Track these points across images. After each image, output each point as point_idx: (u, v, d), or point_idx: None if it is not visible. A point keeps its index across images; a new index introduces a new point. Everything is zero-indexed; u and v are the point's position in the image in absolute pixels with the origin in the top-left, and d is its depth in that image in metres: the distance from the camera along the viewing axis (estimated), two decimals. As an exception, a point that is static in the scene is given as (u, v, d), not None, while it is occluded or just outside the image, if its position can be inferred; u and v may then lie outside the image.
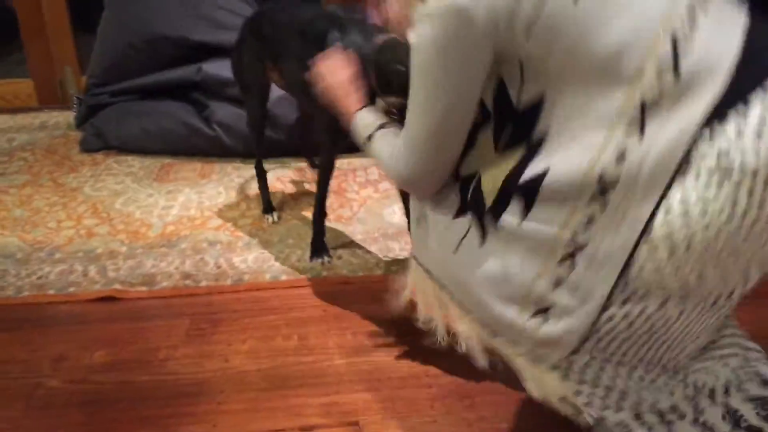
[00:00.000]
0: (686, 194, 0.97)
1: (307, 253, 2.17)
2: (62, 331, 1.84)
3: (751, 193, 0.96)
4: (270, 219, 2.41)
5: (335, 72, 1.55)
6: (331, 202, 2.51)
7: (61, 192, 2.65)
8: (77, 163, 2.90)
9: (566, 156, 1.02)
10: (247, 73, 2.27)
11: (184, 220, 2.42)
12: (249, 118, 2.40)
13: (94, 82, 3.07)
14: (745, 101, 0.97)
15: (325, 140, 2.04)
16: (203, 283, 2.04)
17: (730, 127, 0.96)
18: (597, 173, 1.00)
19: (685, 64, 0.98)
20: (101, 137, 3.00)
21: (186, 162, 2.87)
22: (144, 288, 2.02)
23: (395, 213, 2.42)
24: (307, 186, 2.64)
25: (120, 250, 2.24)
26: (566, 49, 0.99)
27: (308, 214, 2.43)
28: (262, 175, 2.45)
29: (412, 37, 1.07)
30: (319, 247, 2.17)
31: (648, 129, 0.98)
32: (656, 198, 0.98)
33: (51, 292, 2.01)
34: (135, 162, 2.90)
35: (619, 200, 0.99)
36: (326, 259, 2.15)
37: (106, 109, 3.04)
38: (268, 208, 2.43)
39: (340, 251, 2.20)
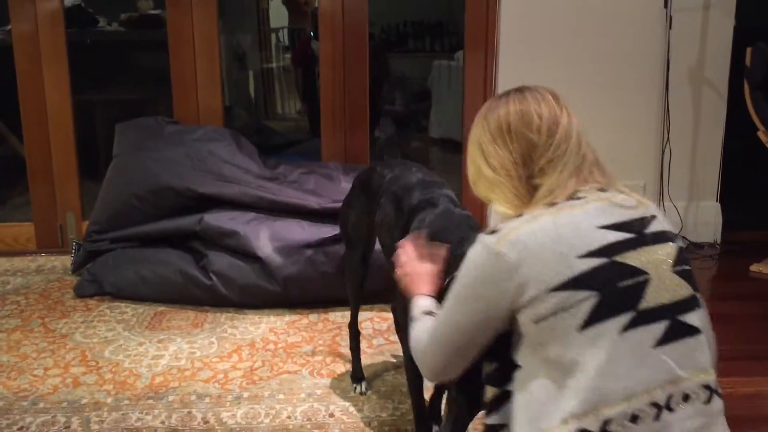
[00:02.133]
0: None
1: (299, 410, 2.11)
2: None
3: None
4: (358, 389, 2.21)
5: (417, 263, 1.53)
6: (324, 356, 2.48)
7: (51, 338, 2.62)
8: (70, 308, 2.88)
9: None
10: (353, 227, 2.18)
11: (173, 370, 2.37)
12: (348, 272, 2.26)
13: (95, 229, 3.12)
14: None
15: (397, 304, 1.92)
16: (189, 440, 1.96)
17: None
18: None
19: None
20: (96, 283, 3.00)
21: (179, 310, 2.86)
22: (127, 443, 1.94)
23: (389, 369, 2.38)
24: (299, 339, 2.61)
25: (105, 401, 2.18)
26: (553, 356, 1.16)
27: (301, 367, 2.39)
28: (355, 336, 2.27)
29: (469, 250, 1.24)
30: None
31: None
32: None
33: (30, 444, 1.93)
34: (128, 309, 2.88)
35: None
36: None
37: (103, 255, 3.06)
38: (358, 375, 2.25)
39: (332, 408, 2.14)
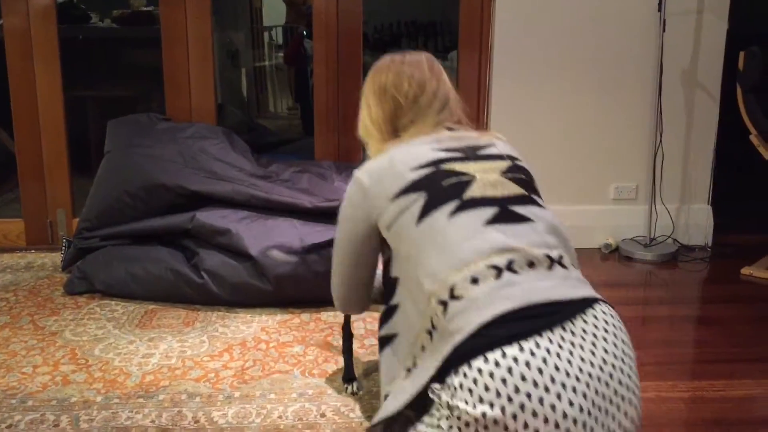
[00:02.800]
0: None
1: (290, 409, 2.10)
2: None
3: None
4: (350, 389, 2.21)
5: None
6: (316, 355, 2.47)
7: (40, 335, 2.60)
8: (59, 305, 2.86)
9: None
10: None
11: (164, 369, 2.36)
12: None
13: (86, 226, 3.09)
14: (469, 364, 1.22)
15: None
16: (180, 439, 1.95)
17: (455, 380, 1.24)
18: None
19: (448, 315, 1.27)
20: (86, 280, 2.98)
21: (170, 309, 2.84)
22: (117, 442, 1.93)
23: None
24: (291, 338, 2.60)
25: (95, 399, 2.16)
26: (405, 254, 1.40)
27: (293, 367, 2.38)
28: (348, 338, 2.27)
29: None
30: None
31: (425, 348, 1.33)
32: None
33: (18, 443, 1.91)
34: (118, 307, 2.86)
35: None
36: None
37: (93, 252, 3.04)
38: (350, 376, 2.24)
39: (323, 408, 2.14)
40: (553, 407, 1.17)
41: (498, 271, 1.27)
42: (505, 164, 1.44)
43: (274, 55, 6.64)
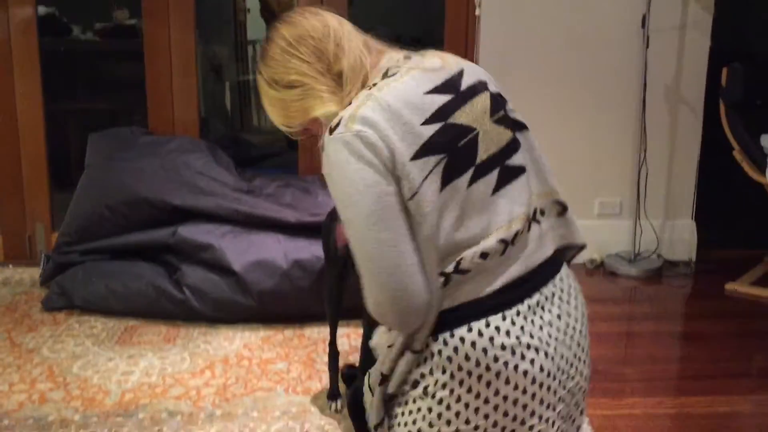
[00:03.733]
0: None
1: (273, 428, 2.06)
2: None
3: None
4: (334, 406, 2.18)
5: None
6: (299, 372, 2.44)
7: (17, 352, 2.54)
8: (37, 322, 2.80)
9: None
10: (332, 245, 2.17)
11: (144, 387, 2.31)
12: (327, 288, 2.22)
13: (65, 240, 3.04)
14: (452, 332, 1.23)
15: None
16: (160, 459, 1.91)
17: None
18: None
19: (448, 288, 1.24)
20: (65, 296, 2.92)
21: (151, 325, 2.79)
22: (95, 462, 1.88)
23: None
24: (274, 355, 2.56)
25: (73, 418, 2.11)
26: (419, 221, 1.21)
27: (276, 384, 2.34)
28: (334, 355, 2.24)
29: (325, 158, 1.26)
30: None
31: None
32: None
33: (-8, 464, 1.86)
34: (97, 323, 2.81)
35: None
36: None
37: (73, 267, 2.99)
38: (334, 393, 2.21)
39: (307, 426, 2.10)
40: (525, 373, 1.22)
41: (504, 245, 1.26)
42: (487, 100, 1.33)
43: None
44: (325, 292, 2.26)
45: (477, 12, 3.39)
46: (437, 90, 1.27)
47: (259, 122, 6.31)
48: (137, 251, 2.96)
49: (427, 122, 1.22)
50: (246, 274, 2.74)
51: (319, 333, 2.74)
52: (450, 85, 1.30)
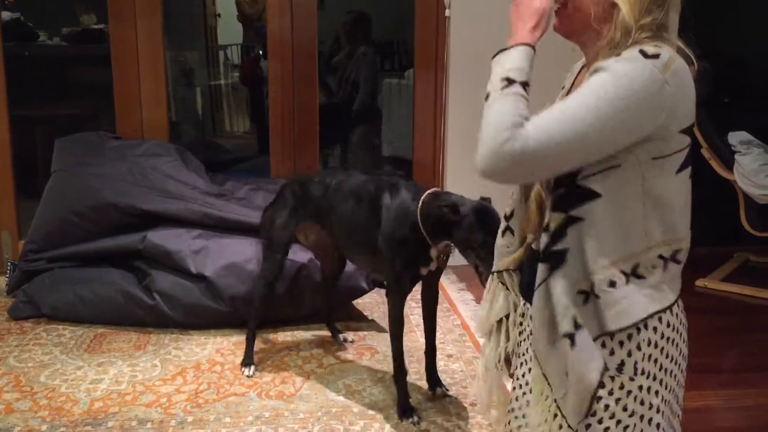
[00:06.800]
0: None
1: (249, 431, 2.03)
2: None
3: None
4: (246, 372, 2.41)
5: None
6: (272, 377, 2.41)
7: (-18, 363, 2.48)
8: (3, 331, 2.74)
9: None
10: (277, 231, 2.40)
11: (113, 395, 2.27)
12: (265, 271, 2.45)
13: (32, 248, 2.98)
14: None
15: (391, 288, 2.14)
16: (129, 467, 1.87)
17: None
18: None
19: (664, 274, 1.22)
20: (32, 304, 2.86)
21: (121, 332, 2.75)
22: (62, 472, 1.83)
23: (340, 389, 2.32)
24: (235, 360, 2.52)
25: (40, 428, 2.06)
26: (654, 194, 1.18)
27: (249, 389, 2.31)
28: (252, 328, 2.49)
29: (626, 65, 1.13)
30: (406, 407, 2.14)
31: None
32: None
33: (-45, 477, 1.80)
34: (66, 332, 2.75)
35: None
36: (416, 419, 2.12)
37: (40, 275, 2.93)
38: (248, 360, 2.46)
39: (280, 431, 2.07)
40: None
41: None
42: None
43: (230, 74, 6.58)
44: (261, 274, 2.49)
45: (447, 13, 3.40)
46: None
47: (231, 127, 6.27)
48: (106, 257, 2.91)
49: (694, 108, 1.20)
50: (217, 279, 2.71)
51: (293, 337, 2.72)
52: None
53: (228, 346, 2.64)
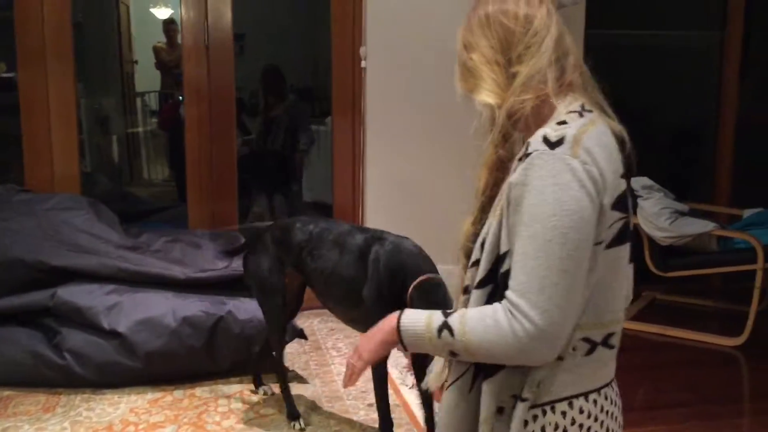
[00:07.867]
0: None
1: (160, 498, 1.96)
2: None
3: None
4: (297, 426, 2.39)
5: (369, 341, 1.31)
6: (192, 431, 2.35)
7: None
8: None
9: None
10: (269, 273, 2.36)
11: (19, 463, 2.16)
12: (271, 320, 2.42)
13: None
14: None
15: None
16: None
17: None
18: None
19: (589, 357, 1.20)
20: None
21: (29, 394, 2.63)
22: None
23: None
24: (162, 418, 2.45)
25: (-64, 503, 1.94)
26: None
27: (163, 450, 2.25)
28: (284, 381, 2.46)
29: (534, 171, 1.11)
30: None
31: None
32: None
33: None
34: (-32, 395, 2.62)
35: None
36: None
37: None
38: (293, 413, 2.43)
39: (196, 493, 2.01)
40: None
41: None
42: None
43: (149, 121, 6.50)
44: (268, 320, 2.44)
45: (363, 64, 3.47)
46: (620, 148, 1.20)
47: (150, 175, 6.16)
48: (13, 315, 2.78)
49: (620, 176, 1.15)
50: (132, 335, 2.64)
51: (211, 392, 2.66)
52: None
53: (143, 404, 2.56)
